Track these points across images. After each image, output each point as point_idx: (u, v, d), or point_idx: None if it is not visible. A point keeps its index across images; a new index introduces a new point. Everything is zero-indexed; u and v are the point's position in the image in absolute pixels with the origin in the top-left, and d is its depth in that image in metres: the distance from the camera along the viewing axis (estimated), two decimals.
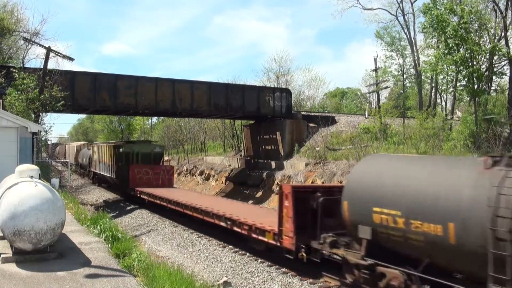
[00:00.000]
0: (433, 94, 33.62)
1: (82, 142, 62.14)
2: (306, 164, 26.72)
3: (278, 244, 11.80)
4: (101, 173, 36.60)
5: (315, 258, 11.00)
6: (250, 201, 27.32)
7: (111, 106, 28.14)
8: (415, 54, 32.35)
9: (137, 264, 9.08)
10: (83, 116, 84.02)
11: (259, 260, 13.44)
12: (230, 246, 15.39)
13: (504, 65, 23.43)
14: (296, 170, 27.21)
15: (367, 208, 8.94)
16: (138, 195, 25.87)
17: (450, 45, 21.09)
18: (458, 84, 24.34)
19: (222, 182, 35.17)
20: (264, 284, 11.70)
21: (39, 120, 24.37)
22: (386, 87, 37.28)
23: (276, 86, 42.47)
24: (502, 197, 6.79)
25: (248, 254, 14.27)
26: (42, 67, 24.84)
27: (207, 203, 18.85)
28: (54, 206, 8.77)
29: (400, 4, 33.91)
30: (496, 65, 23.02)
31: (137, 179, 27.65)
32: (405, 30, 33.47)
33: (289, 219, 11.14)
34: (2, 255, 8.91)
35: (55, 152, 71.81)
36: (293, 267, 12.32)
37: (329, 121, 34.26)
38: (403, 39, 33.74)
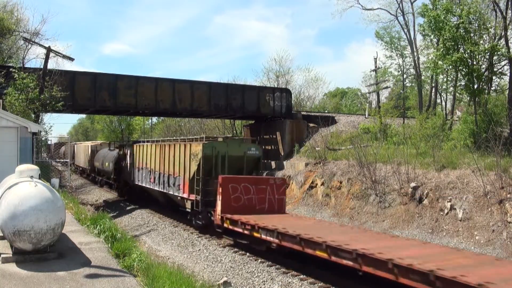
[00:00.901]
0: (433, 94, 33.61)
1: (99, 141, 47.76)
2: (306, 164, 26.72)
3: None
4: (147, 186, 24.90)
5: None
6: None
7: (111, 106, 28.15)
8: (415, 54, 32.36)
9: (137, 264, 9.09)
10: (83, 116, 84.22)
11: (259, 260, 13.44)
12: (230, 246, 15.39)
13: (504, 65, 23.43)
14: (296, 170, 27.22)
15: None
16: (247, 232, 14.30)
17: (448, 47, 21.13)
18: (458, 84, 24.35)
19: None
20: (264, 284, 11.70)
21: (39, 120, 24.38)
22: (386, 87, 37.33)
23: (276, 86, 42.48)
24: None
25: (248, 254, 14.27)
26: (42, 67, 24.84)
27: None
28: (54, 206, 8.77)
29: (400, 4, 33.93)
30: (496, 65, 23.04)
31: (232, 201, 16.25)
32: (405, 30, 33.49)
33: None
34: (2, 255, 8.91)
35: (59, 153, 63.41)
36: (293, 267, 12.34)
37: (329, 121, 34.28)
38: (403, 39, 33.78)
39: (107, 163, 33.42)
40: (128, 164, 28.31)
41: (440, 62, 22.29)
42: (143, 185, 25.18)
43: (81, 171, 50.43)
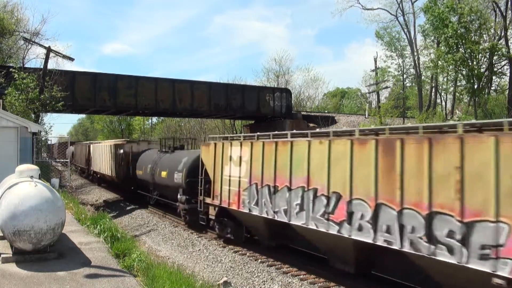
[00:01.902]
0: (433, 94, 33.66)
1: (136, 139, 35.32)
2: None
3: None
4: (311, 228, 10.91)
5: None
6: None
7: (111, 106, 28.21)
8: (415, 54, 32.40)
9: (137, 264, 9.09)
10: (83, 116, 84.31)
11: (259, 260, 13.44)
12: (230, 246, 15.38)
13: (504, 65, 23.48)
14: None
15: None
16: None
17: (450, 45, 21.21)
18: (458, 83, 24.42)
19: None
20: (264, 284, 11.70)
21: (39, 120, 24.41)
22: (386, 87, 37.45)
23: (276, 86, 42.53)
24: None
25: (248, 254, 14.27)
26: (42, 67, 24.86)
27: None
28: (54, 206, 8.77)
29: (400, 4, 34.04)
30: (496, 65, 23.11)
31: None
32: (405, 30, 33.60)
33: None
34: (2, 255, 8.91)
35: (66, 154, 49.98)
36: (293, 267, 12.34)
37: (329, 121, 34.35)
38: (403, 39, 33.87)
39: (166, 173, 19.88)
40: (230, 178, 14.39)
41: (440, 63, 22.37)
42: (293, 222, 11.52)
43: (99, 179, 36.63)
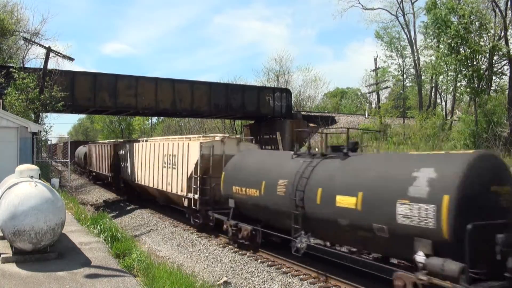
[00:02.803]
0: (433, 94, 33.68)
1: (221, 135, 18.33)
2: None
3: None
4: None
5: None
6: None
7: (111, 106, 28.22)
8: (415, 54, 32.43)
9: (137, 264, 9.09)
10: (83, 116, 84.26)
11: (259, 260, 13.44)
12: (230, 246, 15.39)
13: (504, 65, 23.47)
14: None
15: None
16: None
17: (452, 45, 21.17)
18: (458, 84, 24.42)
19: None
20: (264, 284, 11.69)
21: (39, 120, 24.40)
22: (386, 87, 37.47)
23: (276, 86, 42.54)
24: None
25: (248, 254, 14.27)
26: (42, 67, 24.85)
27: None
28: (54, 206, 8.77)
29: (401, 5, 34.07)
30: (496, 65, 23.09)
31: None
32: (405, 30, 33.63)
33: None
34: (2, 255, 8.91)
35: (77, 156, 47.06)
36: (293, 267, 12.35)
37: (329, 121, 34.38)
38: (403, 39, 33.92)
39: (357, 201, 9.38)
40: None
41: (441, 63, 22.34)
42: None
43: (129, 191, 26.57)
